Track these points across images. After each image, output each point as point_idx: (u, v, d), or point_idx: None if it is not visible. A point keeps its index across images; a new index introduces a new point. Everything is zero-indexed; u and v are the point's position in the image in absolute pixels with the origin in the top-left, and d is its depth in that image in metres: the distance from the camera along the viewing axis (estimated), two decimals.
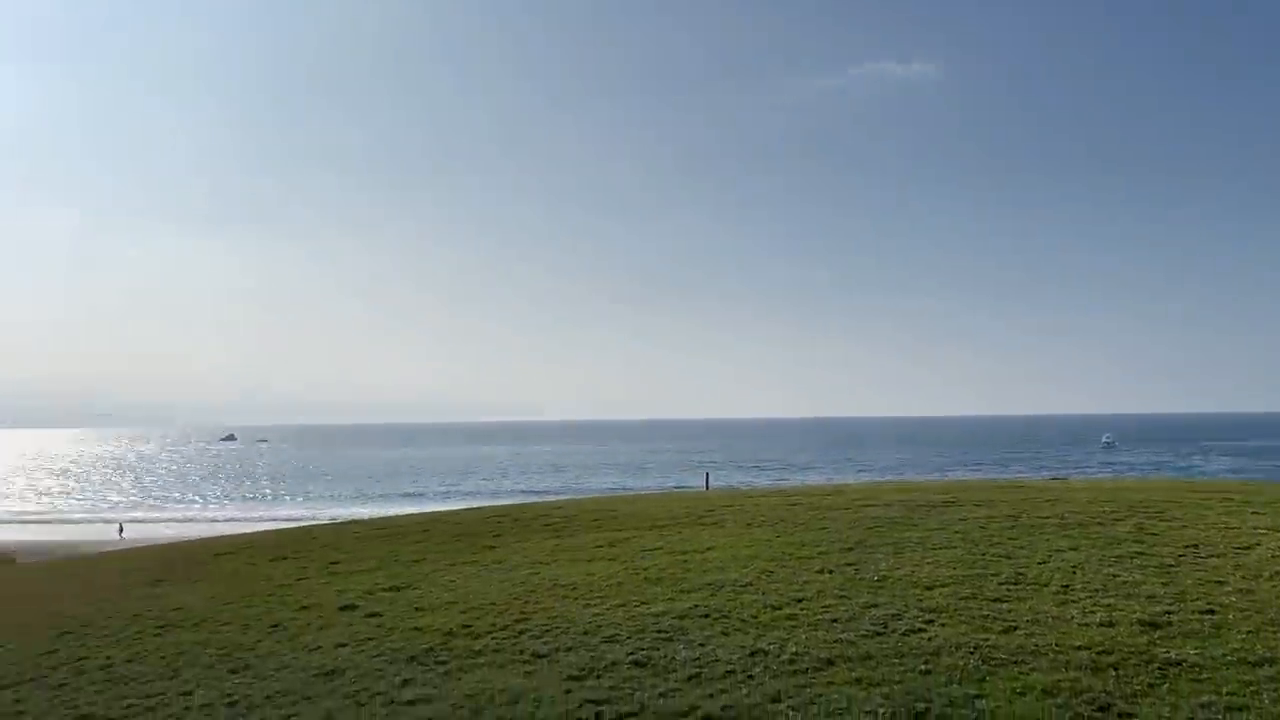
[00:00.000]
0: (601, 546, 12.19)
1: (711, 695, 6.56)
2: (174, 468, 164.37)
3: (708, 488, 43.52)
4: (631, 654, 7.42)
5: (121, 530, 72.50)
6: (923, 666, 6.96)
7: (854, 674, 6.85)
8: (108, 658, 8.19)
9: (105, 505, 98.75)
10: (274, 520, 67.74)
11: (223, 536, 18.62)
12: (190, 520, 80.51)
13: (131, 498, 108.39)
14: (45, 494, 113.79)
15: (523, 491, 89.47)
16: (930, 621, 7.99)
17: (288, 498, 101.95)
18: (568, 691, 6.75)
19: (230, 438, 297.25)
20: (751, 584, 9.48)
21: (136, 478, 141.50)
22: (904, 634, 7.67)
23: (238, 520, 73.80)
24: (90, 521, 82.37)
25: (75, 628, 9.34)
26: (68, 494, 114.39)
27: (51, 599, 11.37)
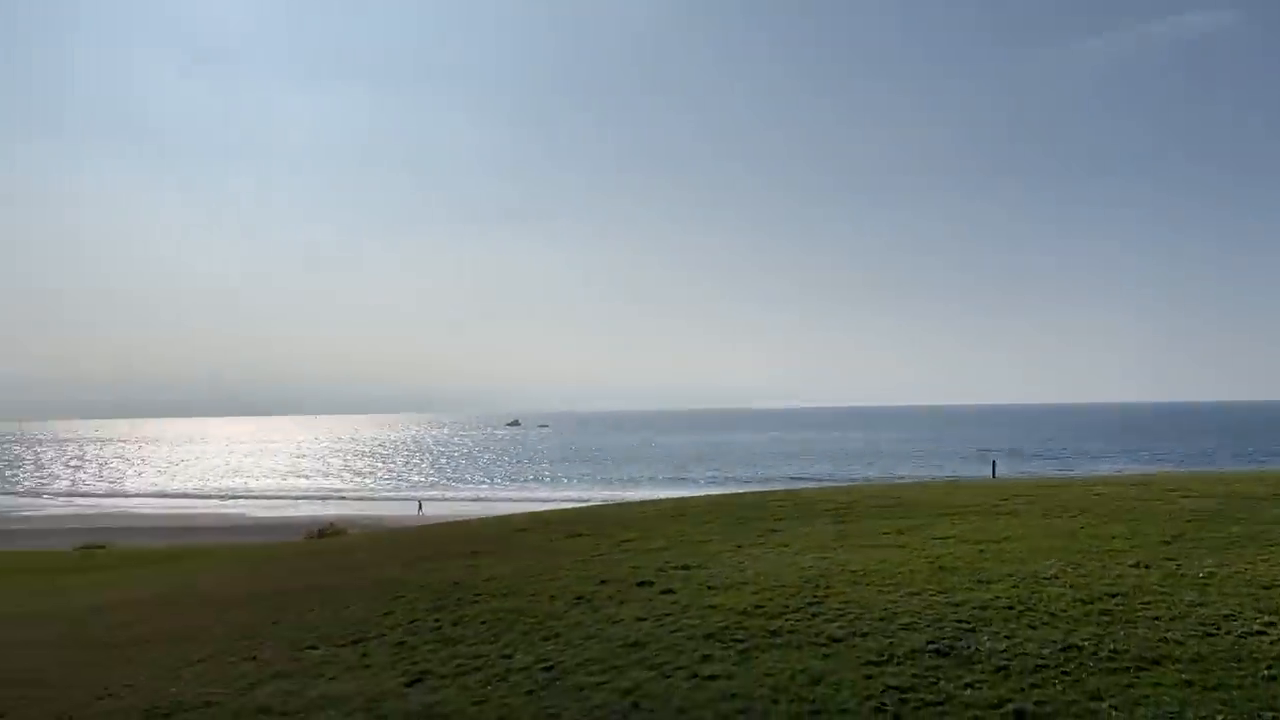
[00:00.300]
0: (889, 533, 11.97)
1: (1022, 690, 6.28)
2: (464, 451, 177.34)
3: (994, 475, 41.56)
4: (932, 643, 7.24)
5: (420, 507, 79.27)
6: (1266, 672, 6.31)
7: (1184, 675, 6.33)
8: (436, 620, 9.01)
9: (406, 484, 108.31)
10: (555, 501, 71.64)
11: (519, 514, 19.91)
12: (480, 500, 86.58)
13: (429, 477, 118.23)
14: (358, 474, 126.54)
15: (791, 478, 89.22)
16: (1271, 624, 7.22)
17: (565, 480, 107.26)
18: (868, 677, 6.70)
19: (515, 423, 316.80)
20: (1057, 576, 8.96)
21: (433, 460, 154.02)
22: (1240, 636, 6.99)
23: (522, 500, 78.65)
24: (394, 499, 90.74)
25: (406, 592, 10.35)
26: (375, 474, 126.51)
27: (380, 567, 12.61)
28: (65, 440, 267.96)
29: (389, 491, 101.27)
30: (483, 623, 8.81)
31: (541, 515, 17.71)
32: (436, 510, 74.31)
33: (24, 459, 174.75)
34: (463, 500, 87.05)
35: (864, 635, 7.55)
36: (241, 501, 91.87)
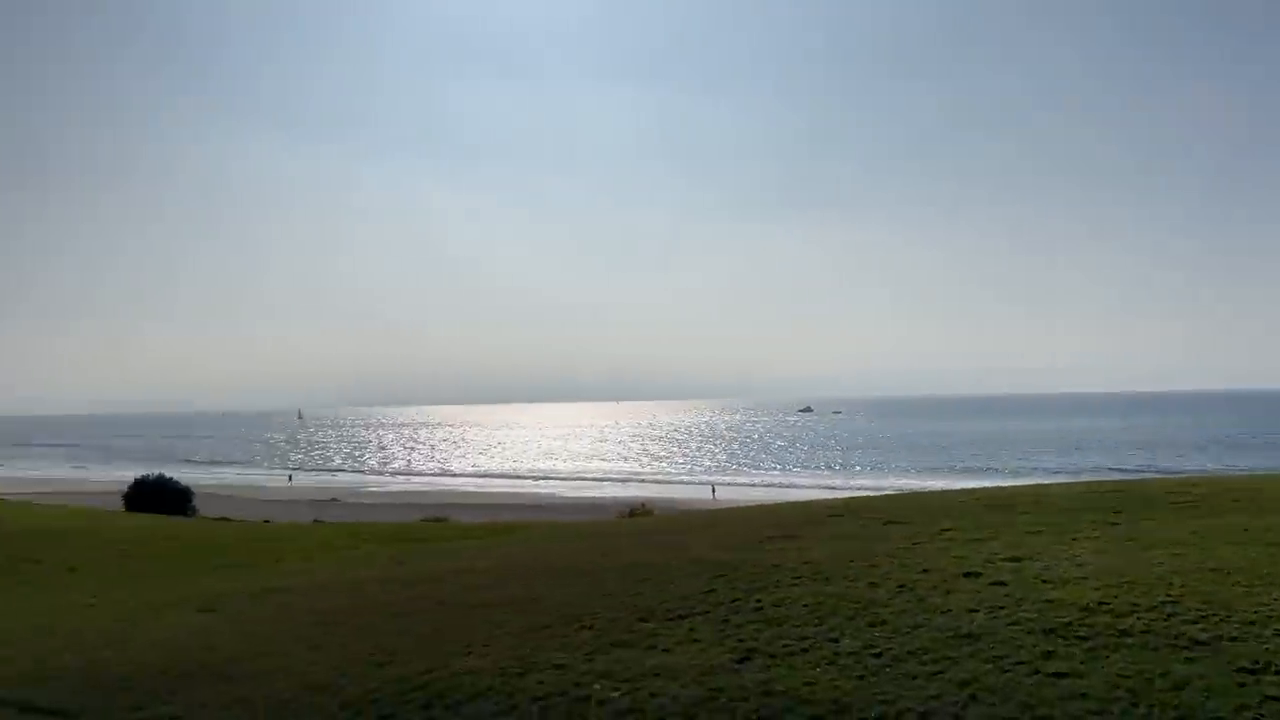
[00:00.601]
0: (1253, 529, 10.72)
1: None
2: (756, 436, 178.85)
3: None
4: None
5: (714, 491, 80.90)
6: None
7: None
8: (757, 600, 9.15)
9: (700, 469, 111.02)
10: (849, 488, 70.57)
11: (828, 499, 19.81)
12: (771, 485, 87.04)
13: (721, 462, 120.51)
14: (655, 458, 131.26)
15: (1109, 469, 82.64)
16: None
17: (857, 467, 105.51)
18: (1241, 685, 6.06)
19: (807, 409, 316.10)
20: None
21: (725, 445, 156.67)
22: None
23: (814, 487, 78.14)
24: (688, 482, 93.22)
25: (724, 571, 10.59)
26: (670, 458, 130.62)
27: (694, 546, 12.96)
28: (401, 425, 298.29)
29: (684, 475, 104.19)
30: (804, 605, 8.84)
31: (851, 501, 17.49)
32: (728, 494, 75.65)
33: (368, 441, 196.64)
34: (755, 485, 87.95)
35: (1233, 640, 6.84)
36: (552, 482, 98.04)
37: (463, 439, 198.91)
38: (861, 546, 11.55)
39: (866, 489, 67.15)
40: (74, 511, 31.47)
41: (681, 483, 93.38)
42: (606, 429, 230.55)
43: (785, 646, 7.70)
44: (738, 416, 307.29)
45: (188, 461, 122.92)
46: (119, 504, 36.86)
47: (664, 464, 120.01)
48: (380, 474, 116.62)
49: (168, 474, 40.90)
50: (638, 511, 30.28)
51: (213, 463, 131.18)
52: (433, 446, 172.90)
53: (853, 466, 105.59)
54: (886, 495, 20.81)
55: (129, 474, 43.85)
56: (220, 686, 8.31)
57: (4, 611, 12.53)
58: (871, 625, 8.03)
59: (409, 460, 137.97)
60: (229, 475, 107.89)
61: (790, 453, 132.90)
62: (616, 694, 6.98)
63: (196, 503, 37.90)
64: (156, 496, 35.90)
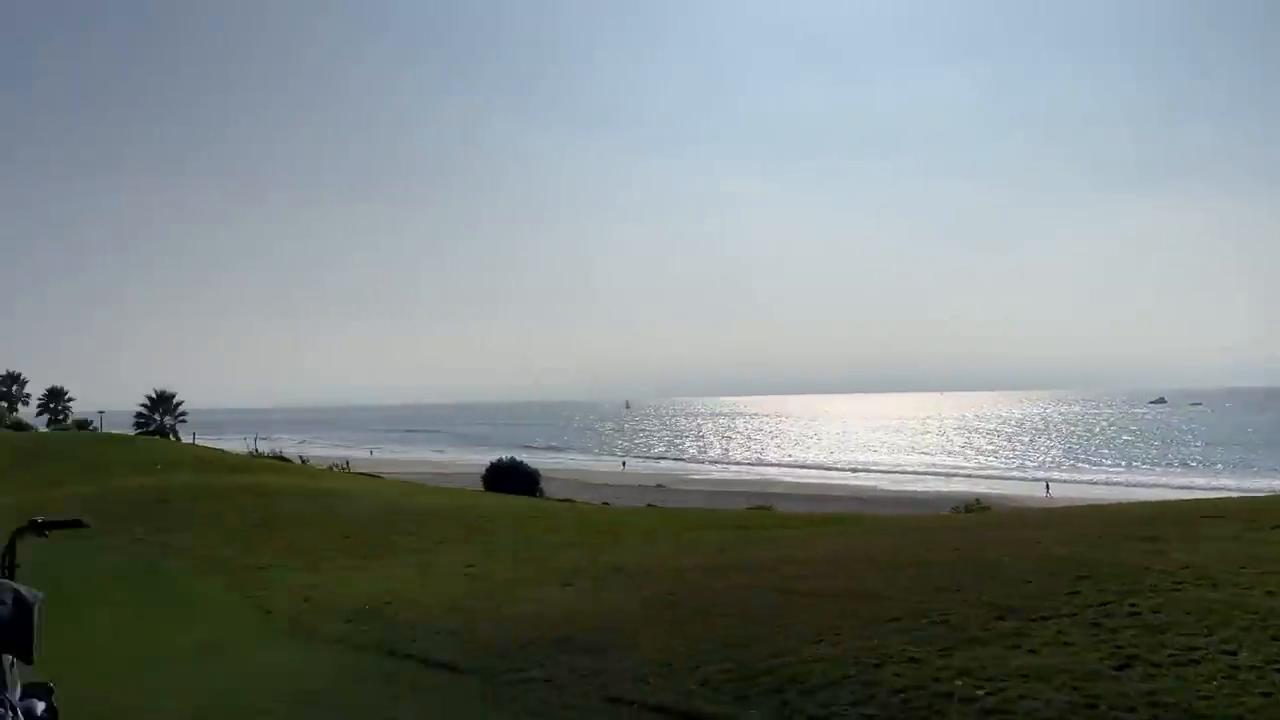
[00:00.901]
0: None
1: None
2: (1097, 430, 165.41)
3: None
4: None
5: (1048, 488, 75.72)
6: None
7: None
8: (1132, 604, 8.41)
9: (1031, 464, 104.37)
10: (1212, 489, 63.40)
11: (1188, 500, 17.91)
12: (1115, 484, 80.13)
13: (1055, 457, 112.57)
14: (980, 452, 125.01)
15: None
16: None
17: (1219, 466, 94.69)
18: None
19: (1159, 400, 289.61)
20: None
21: (1061, 439, 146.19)
22: None
23: (1162, 487, 70.92)
24: (1018, 478, 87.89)
25: (1086, 572, 9.82)
26: (998, 452, 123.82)
27: (1045, 544, 12.16)
28: (718, 414, 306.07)
29: (1014, 471, 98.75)
30: (1187, 612, 8.01)
31: (1222, 502, 15.66)
32: (1064, 492, 70.70)
33: (688, 430, 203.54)
34: (1095, 483, 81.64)
35: None
36: (871, 475, 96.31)
37: (777, 429, 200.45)
38: (1248, 551, 10.28)
39: (1231, 489, 59.91)
40: (440, 490, 35.12)
41: (1011, 479, 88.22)
42: (929, 421, 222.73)
43: (1170, 656, 7.03)
44: (1076, 408, 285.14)
45: (527, 447, 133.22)
46: (477, 484, 40.75)
47: (991, 459, 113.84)
48: (700, 462, 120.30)
49: (514, 458, 44.56)
50: (973, 507, 28.94)
51: (550, 448, 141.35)
52: (748, 436, 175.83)
53: (1214, 465, 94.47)
54: (1266, 497, 18.47)
55: (481, 457, 48.35)
56: (581, 656, 8.88)
57: (392, 577, 14.17)
58: (1275, 639, 7.13)
59: (726, 449, 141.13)
60: (565, 460, 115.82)
61: (1137, 448, 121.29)
62: (981, 692, 6.70)
63: (542, 485, 41.00)
64: (510, 477, 39.30)
